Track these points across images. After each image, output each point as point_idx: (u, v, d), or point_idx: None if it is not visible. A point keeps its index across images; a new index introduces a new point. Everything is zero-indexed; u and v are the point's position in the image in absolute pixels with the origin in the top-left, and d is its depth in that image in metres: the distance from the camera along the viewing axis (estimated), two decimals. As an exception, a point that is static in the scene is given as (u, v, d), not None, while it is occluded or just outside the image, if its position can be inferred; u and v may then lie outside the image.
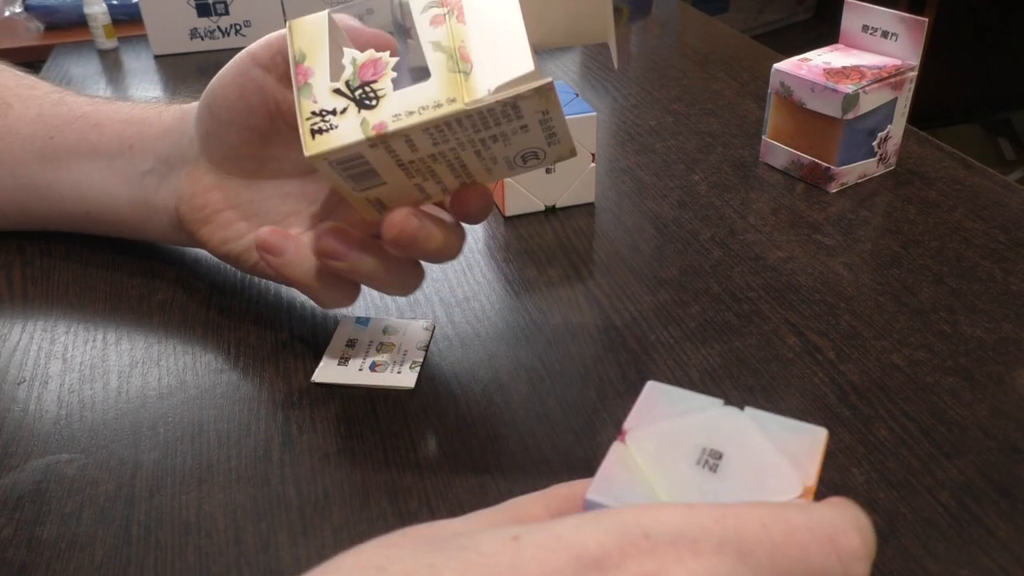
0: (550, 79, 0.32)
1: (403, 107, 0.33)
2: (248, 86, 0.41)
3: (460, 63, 0.33)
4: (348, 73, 0.34)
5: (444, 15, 0.34)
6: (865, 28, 0.61)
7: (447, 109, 0.33)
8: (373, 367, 0.44)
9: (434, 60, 0.33)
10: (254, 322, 0.48)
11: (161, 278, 0.52)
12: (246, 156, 0.44)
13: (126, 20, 1.09)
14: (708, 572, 0.22)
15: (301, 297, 0.50)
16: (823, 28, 2.39)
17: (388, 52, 0.35)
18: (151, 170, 0.48)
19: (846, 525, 0.23)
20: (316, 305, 0.46)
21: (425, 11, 0.34)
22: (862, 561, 0.23)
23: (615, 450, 0.30)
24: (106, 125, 0.50)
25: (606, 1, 0.37)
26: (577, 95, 0.58)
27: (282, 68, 0.41)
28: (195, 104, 0.46)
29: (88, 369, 0.45)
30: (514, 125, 0.34)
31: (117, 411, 0.42)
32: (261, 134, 0.43)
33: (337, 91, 0.34)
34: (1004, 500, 0.36)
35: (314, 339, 0.47)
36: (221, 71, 0.42)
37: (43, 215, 0.53)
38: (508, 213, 0.58)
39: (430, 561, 0.22)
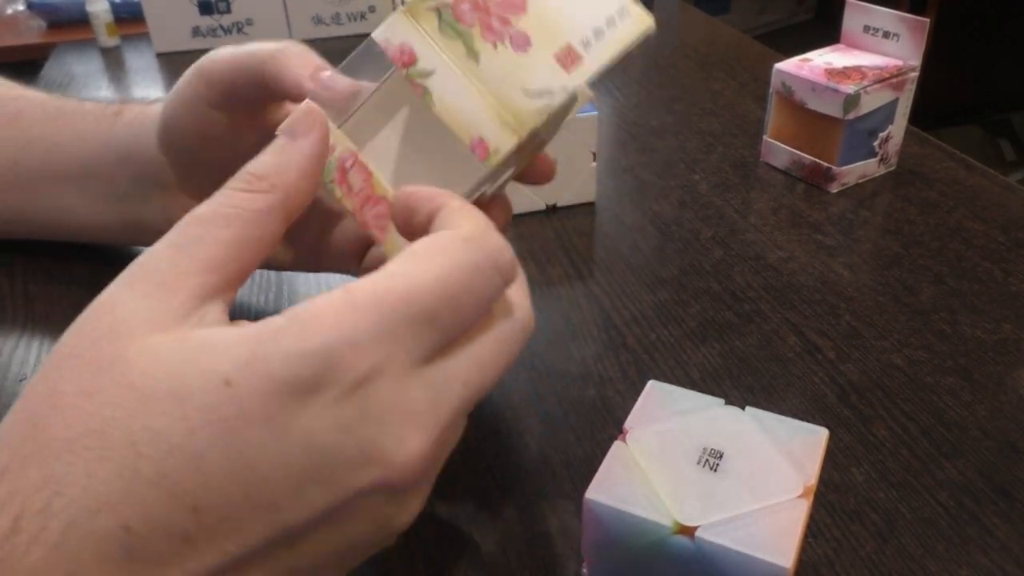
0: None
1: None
2: (209, 130, 0.39)
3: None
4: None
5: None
6: (866, 28, 0.61)
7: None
8: None
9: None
10: (255, 318, 0.48)
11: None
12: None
13: (128, 18, 1.09)
14: (409, 351, 0.24)
15: (302, 294, 0.50)
16: (824, 28, 2.39)
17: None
18: (126, 194, 0.46)
19: (493, 245, 0.26)
20: None
21: None
22: (516, 265, 0.26)
23: (616, 449, 0.30)
24: (64, 146, 0.47)
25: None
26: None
27: (237, 93, 0.38)
28: (148, 115, 0.43)
29: (90, 367, 0.45)
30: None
31: (118, 409, 0.42)
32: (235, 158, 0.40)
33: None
34: (1003, 500, 0.36)
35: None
36: (173, 112, 0.40)
37: (34, 234, 0.52)
38: (509, 212, 0.58)
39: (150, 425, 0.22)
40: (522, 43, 0.31)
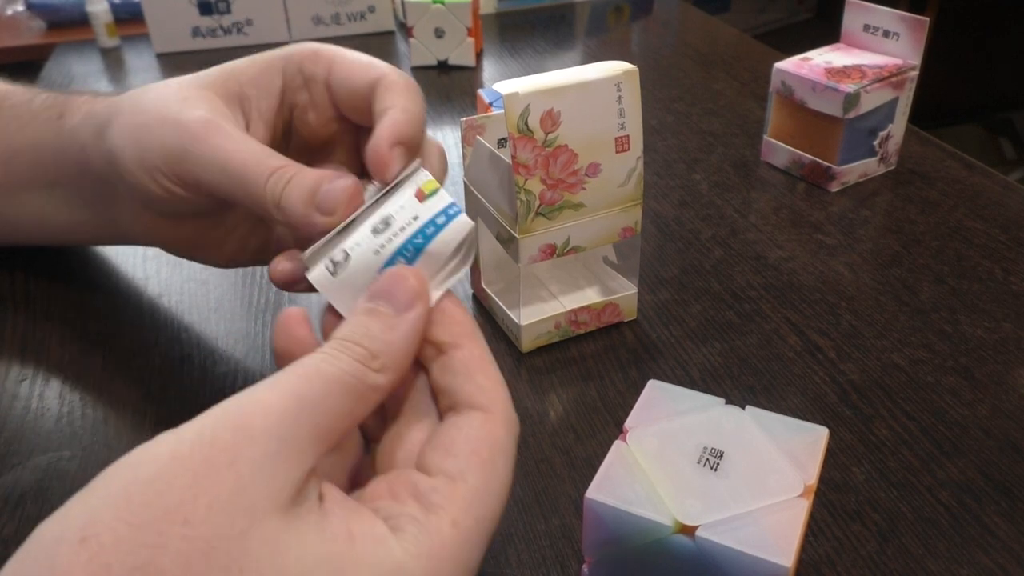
0: None
1: None
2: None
3: None
4: None
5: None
6: (866, 28, 0.61)
7: None
8: None
9: None
10: (253, 315, 0.48)
11: (160, 272, 0.52)
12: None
13: (128, 18, 1.09)
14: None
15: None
16: (824, 28, 2.39)
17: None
18: (93, 198, 0.43)
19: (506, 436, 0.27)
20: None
21: None
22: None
23: (616, 449, 0.30)
24: (23, 154, 0.44)
25: None
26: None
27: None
28: (96, 125, 0.39)
29: (90, 366, 0.45)
30: None
31: (119, 408, 0.42)
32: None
33: None
34: (1004, 499, 0.36)
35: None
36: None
37: (20, 241, 0.50)
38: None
39: None
40: None
